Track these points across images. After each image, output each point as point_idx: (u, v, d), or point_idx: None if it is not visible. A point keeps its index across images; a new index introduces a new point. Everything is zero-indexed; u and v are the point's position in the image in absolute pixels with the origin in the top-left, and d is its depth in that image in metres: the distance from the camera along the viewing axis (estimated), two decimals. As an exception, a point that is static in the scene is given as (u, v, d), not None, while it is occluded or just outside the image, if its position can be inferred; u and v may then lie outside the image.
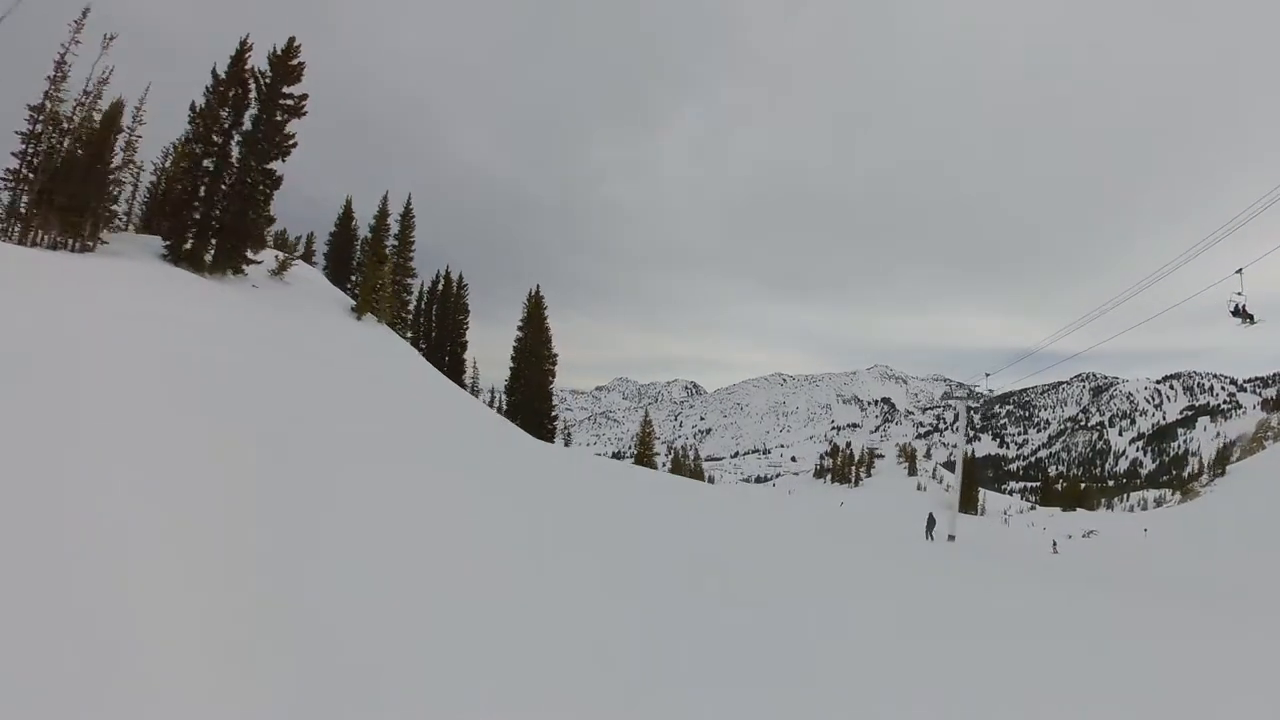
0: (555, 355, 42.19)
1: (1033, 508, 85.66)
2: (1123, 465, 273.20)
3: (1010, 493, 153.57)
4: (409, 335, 43.99)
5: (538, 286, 43.31)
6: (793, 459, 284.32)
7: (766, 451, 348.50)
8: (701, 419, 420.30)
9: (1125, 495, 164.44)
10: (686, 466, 75.34)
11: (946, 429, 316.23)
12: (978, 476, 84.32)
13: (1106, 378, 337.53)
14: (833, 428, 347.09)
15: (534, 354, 41.08)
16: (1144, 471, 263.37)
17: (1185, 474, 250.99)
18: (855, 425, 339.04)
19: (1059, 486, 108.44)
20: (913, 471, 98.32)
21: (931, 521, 31.03)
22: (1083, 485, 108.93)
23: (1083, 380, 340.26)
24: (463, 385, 44.80)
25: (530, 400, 40.11)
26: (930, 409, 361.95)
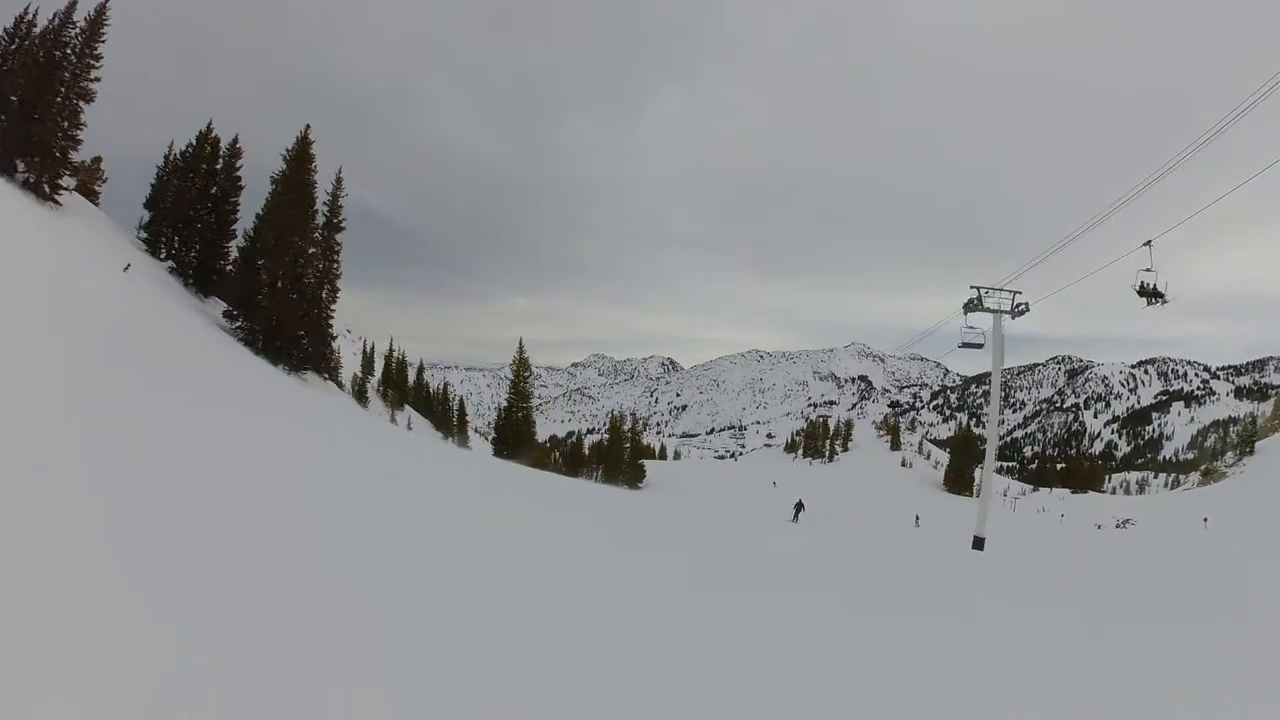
0: (326, 221, 25.79)
1: (1034, 489, 71.70)
2: (1098, 447, 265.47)
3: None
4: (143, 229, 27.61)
5: (307, 127, 26.88)
6: (769, 436, 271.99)
7: (742, 428, 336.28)
8: (678, 395, 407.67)
9: (1107, 477, 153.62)
10: (624, 439, 59.81)
11: (924, 407, 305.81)
12: (974, 453, 70.09)
13: (1082, 361, 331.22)
14: (809, 405, 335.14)
15: (290, 228, 24.54)
16: (1119, 454, 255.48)
17: (1161, 458, 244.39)
18: (832, 402, 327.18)
19: (1060, 466, 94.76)
20: (895, 445, 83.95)
21: (799, 506, 27.74)
22: (1082, 465, 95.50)
23: (1058, 363, 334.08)
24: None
25: (276, 307, 23.64)
26: (907, 387, 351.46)
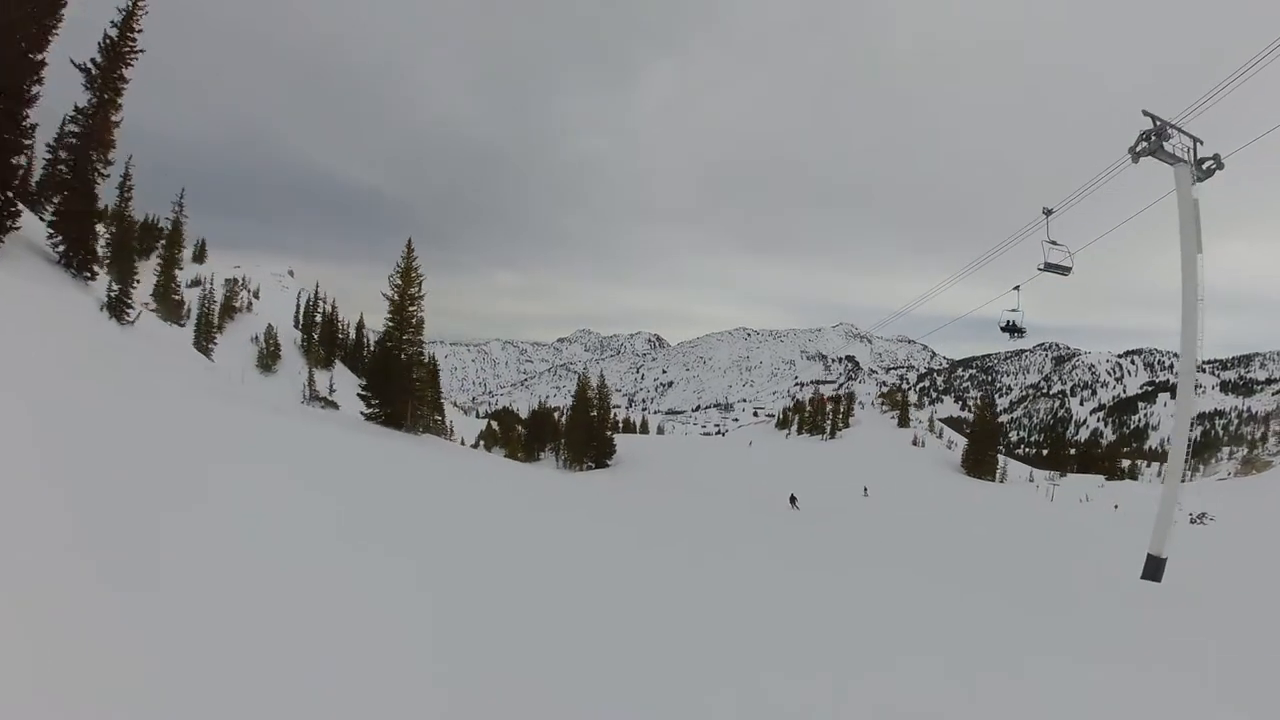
0: (109, 45, 14.71)
1: (1060, 473, 62.33)
2: (1084, 434, 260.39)
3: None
4: None
5: None
6: (754, 413, 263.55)
7: (729, 406, 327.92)
8: (664, 372, 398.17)
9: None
10: (590, 407, 48.92)
11: (910, 389, 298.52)
12: (995, 434, 60.54)
13: (1069, 348, 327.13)
14: (796, 384, 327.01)
15: None
16: (1104, 442, 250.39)
17: (1146, 447, 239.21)
18: (819, 382, 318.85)
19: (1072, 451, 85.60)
20: (904, 422, 74.00)
21: (793, 499, 26.37)
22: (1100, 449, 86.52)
23: (1045, 349, 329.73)
24: None
25: None
26: (894, 369, 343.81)
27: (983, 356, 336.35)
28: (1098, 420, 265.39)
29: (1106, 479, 59.05)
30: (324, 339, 62.30)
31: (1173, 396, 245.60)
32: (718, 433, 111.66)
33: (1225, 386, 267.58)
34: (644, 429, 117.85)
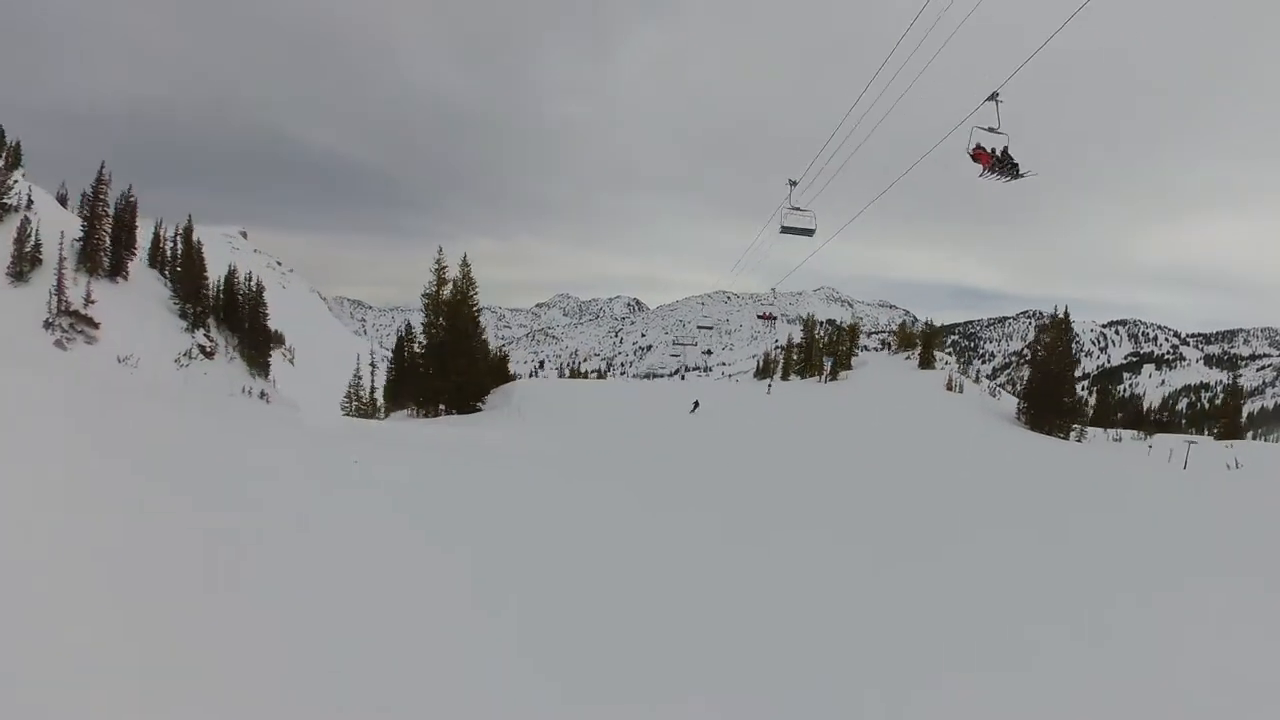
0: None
1: (1148, 432, 44.10)
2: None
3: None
4: None
5: None
6: (734, 378, 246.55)
7: (708, 369, 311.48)
8: (643, 335, 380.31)
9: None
10: (439, 308, 28.90)
11: (897, 354, 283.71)
12: (1068, 382, 42.17)
13: (1052, 317, 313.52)
14: (776, 346, 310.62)
15: None
16: (1090, 411, 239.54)
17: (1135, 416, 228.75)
18: (799, 345, 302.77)
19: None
20: (926, 363, 55.13)
21: (695, 405, 25.39)
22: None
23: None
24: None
25: None
26: (875, 333, 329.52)
27: (965, 323, 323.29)
28: (1082, 389, 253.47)
29: (1216, 439, 40.79)
30: (114, 240, 41.01)
31: (1158, 368, 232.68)
32: (680, 363, 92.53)
33: (1209, 360, 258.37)
34: (601, 375, 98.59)
